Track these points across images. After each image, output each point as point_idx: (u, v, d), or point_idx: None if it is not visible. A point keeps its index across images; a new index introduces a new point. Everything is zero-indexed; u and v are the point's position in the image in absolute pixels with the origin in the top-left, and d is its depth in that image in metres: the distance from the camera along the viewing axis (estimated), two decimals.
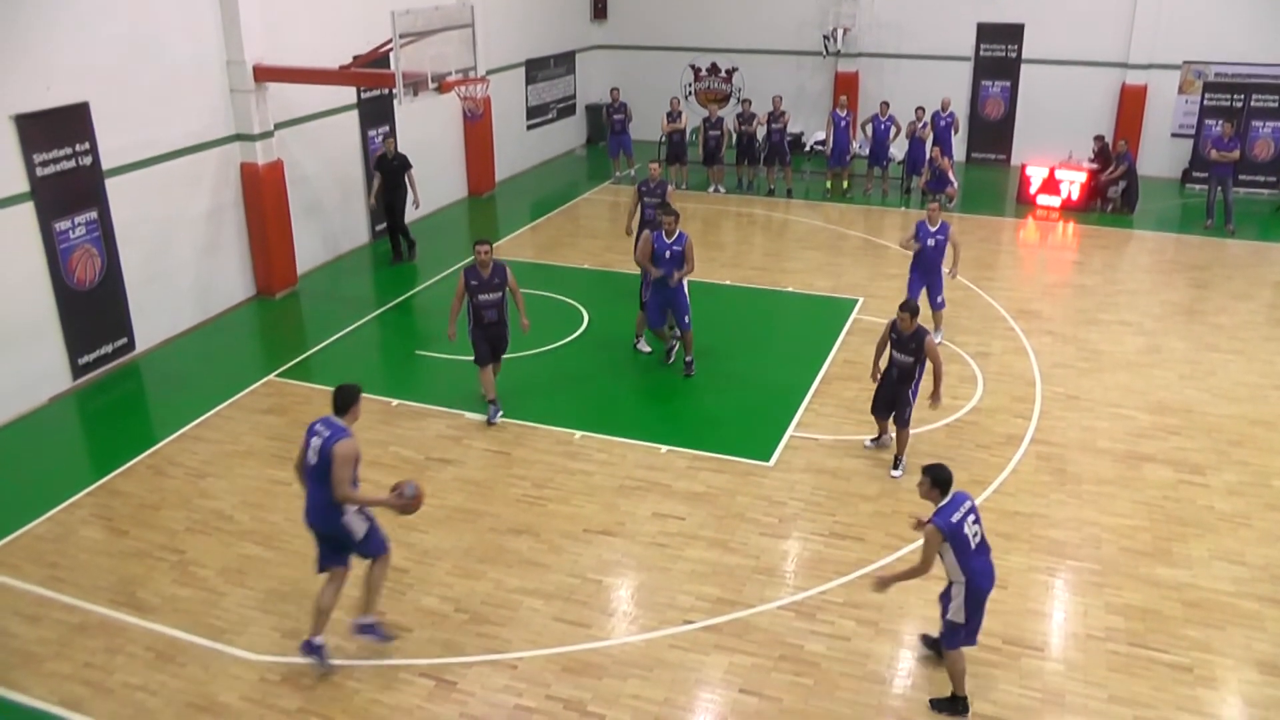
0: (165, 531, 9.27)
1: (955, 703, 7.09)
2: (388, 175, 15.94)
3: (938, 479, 6.87)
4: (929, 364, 9.83)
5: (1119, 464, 10.32)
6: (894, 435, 10.26)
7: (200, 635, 7.91)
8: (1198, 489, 9.86)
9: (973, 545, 6.82)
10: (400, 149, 16.44)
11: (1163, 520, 9.34)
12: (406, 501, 7.34)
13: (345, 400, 7.22)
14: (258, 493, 9.90)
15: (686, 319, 12.00)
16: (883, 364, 10.13)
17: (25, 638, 7.90)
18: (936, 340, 12.23)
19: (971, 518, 6.85)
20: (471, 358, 11.16)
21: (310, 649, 7.47)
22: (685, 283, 11.97)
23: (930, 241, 12.49)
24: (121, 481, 10.12)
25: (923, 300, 12.08)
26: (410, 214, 16.38)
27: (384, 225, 16.85)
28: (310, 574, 7.91)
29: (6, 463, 10.53)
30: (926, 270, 12.66)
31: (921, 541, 6.92)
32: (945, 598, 7.02)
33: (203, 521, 9.43)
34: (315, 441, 7.09)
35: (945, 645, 7.12)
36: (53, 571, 8.70)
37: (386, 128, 17.11)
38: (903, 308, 9.81)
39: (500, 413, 11.17)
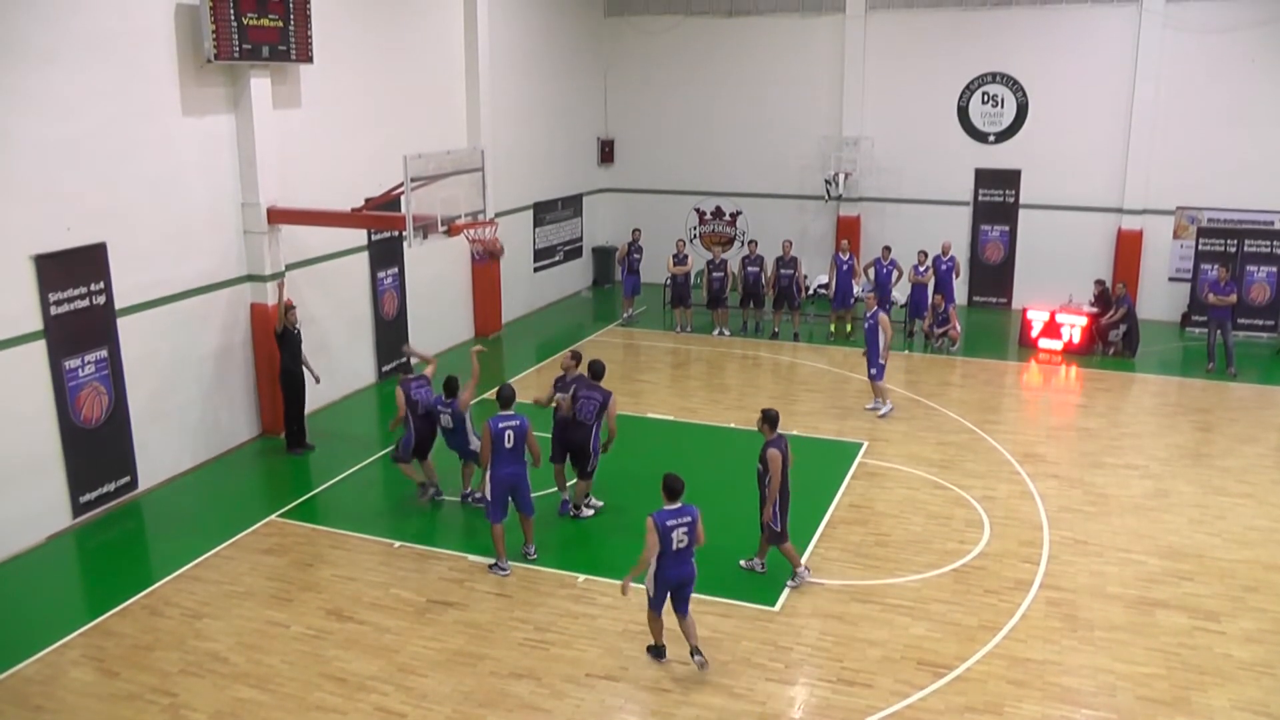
0: (158, 673, 9.07)
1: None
2: (289, 348, 13.99)
3: (667, 486, 8.82)
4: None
5: (1131, 610, 10.13)
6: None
7: None
8: (1214, 636, 9.65)
9: (674, 547, 8.67)
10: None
11: (1180, 668, 9.12)
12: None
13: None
14: (255, 634, 9.72)
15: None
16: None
17: None
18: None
19: (684, 529, 8.69)
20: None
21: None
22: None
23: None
24: (116, 622, 9.95)
25: None
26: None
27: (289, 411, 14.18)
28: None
29: None
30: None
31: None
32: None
33: (197, 663, 9.23)
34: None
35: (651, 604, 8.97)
36: (37, 715, 8.49)
37: (293, 302, 14.32)
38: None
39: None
